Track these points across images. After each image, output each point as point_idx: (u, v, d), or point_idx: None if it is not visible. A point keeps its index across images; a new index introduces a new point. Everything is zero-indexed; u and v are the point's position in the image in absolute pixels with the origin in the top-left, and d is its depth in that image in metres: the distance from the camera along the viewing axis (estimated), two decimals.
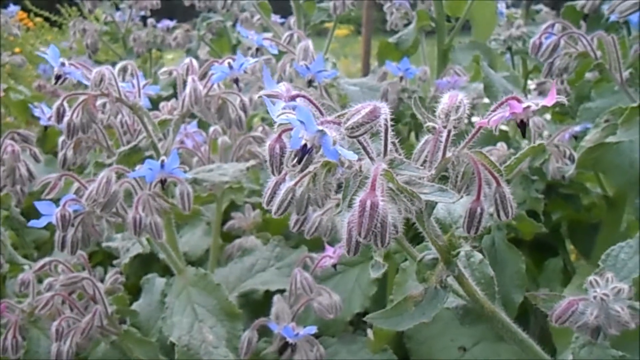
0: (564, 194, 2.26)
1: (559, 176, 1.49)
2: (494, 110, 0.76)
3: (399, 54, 2.27)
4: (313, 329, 1.29)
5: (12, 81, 3.17)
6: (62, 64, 1.14)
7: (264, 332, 1.44)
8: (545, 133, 1.74)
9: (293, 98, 0.72)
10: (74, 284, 1.28)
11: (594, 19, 1.88)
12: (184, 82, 1.27)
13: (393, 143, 0.77)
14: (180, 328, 1.30)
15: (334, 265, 1.35)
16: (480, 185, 0.77)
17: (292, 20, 2.32)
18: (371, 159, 0.72)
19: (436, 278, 0.92)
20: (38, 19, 4.67)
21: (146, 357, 1.40)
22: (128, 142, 1.36)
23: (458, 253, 0.89)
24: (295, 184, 0.73)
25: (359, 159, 0.71)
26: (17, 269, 1.57)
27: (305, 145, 0.64)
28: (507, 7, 2.77)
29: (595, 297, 0.87)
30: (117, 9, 2.97)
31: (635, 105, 1.26)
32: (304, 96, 0.73)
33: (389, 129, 0.73)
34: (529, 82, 2.45)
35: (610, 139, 1.32)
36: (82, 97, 1.17)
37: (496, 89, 2.03)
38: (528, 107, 0.72)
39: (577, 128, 1.54)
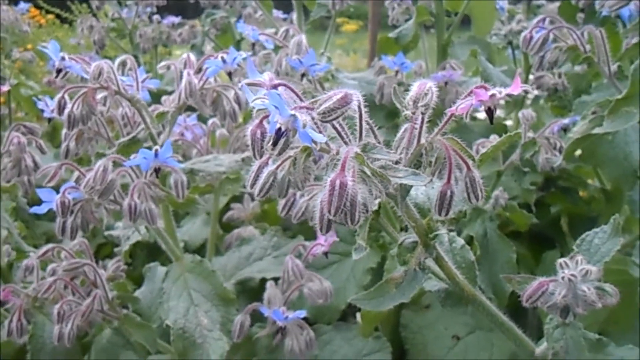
0: (563, 187, 2.29)
1: (548, 167, 1.52)
2: (463, 99, 0.80)
3: (399, 49, 2.30)
4: (302, 313, 1.33)
5: (23, 77, 3.23)
6: (63, 58, 1.19)
7: (260, 319, 1.48)
8: None
9: (275, 87, 0.76)
10: (75, 269, 1.33)
11: (589, 14, 1.91)
12: (181, 76, 1.31)
13: (372, 130, 0.81)
14: (176, 312, 1.34)
15: (326, 253, 1.39)
16: (451, 169, 0.80)
17: (294, 16, 2.35)
18: (345, 143, 0.76)
19: (415, 260, 0.96)
20: (50, 16, 4.73)
21: (145, 341, 1.45)
22: (128, 134, 1.40)
23: (435, 236, 0.93)
24: (277, 168, 0.77)
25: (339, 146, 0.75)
26: (23, 256, 1.62)
27: (279, 128, 0.69)
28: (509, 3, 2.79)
29: (563, 278, 0.91)
30: (124, 5, 3.01)
31: (620, 96, 1.29)
32: (285, 85, 0.77)
33: (364, 115, 0.77)
34: (531, 77, 2.47)
35: (597, 130, 1.34)
36: (82, 90, 1.22)
37: (494, 83, 2.06)
38: (493, 95, 0.76)
39: (566, 120, 1.57)
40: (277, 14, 2.56)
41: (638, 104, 1.27)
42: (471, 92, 0.78)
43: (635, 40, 1.47)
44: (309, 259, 1.43)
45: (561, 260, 0.94)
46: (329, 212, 0.68)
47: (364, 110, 0.77)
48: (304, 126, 0.67)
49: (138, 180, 1.20)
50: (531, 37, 1.50)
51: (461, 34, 2.48)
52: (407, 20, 2.43)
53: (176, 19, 2.97)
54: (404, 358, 1.73)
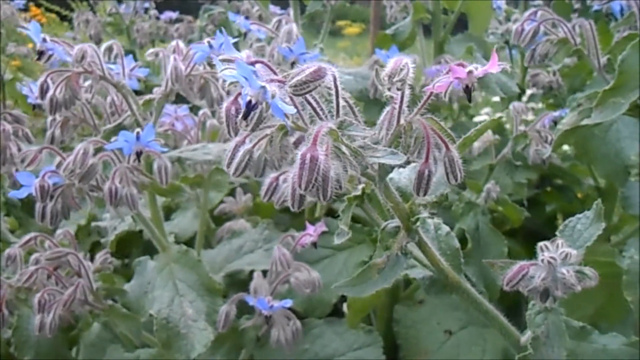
0: (558, 185, 2.28)
1: (539, 160, 1.50)
2: (441, 77, 0.78)
3: (396, 46, 2.29)
4: (288, 302, 1.31)
5: (21, 74, 3.22)
6: (44, 40, 1.18)
7: (249, 311, 1.46)
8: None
9: (252, 64, 0.75)
10: (58, 258, 1.31)
11: (582, 11, 1.90)
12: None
13: (350, 108, 0.80)
14: (160, 302, 1.33)
15: (314, 244, 1.37)
16: (429, 149, 0.79)
17: (291, 11, 2.35)
18: (321, 119, 0.74)
19: (397, 245, 0.95)
20: (51, 15, 4.73)
21: (130, 332, 1.43)
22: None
23: (417, 220, 0.92)
24: (253, 146, 0.75)
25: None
26: (8, 247, 1.60)
27: (250, 101, 0.67)
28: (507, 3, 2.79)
29: (543, 261, 0.89)
30: (122, 1, 3.01)
31: (608, 87, 1.28)
32: (262, 62, 0.75)
33: (340, 92, 0.75)
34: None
35: (586, 122, 1.33)
36: (65, 74, 1.21)
37: (489, 80, 2.06)
38: (470, 71, 0.74)
39: (556, 113, 1.56)
40: (275, 9, 2.55)
41: (626, 94, 1.26)
42: (450, 69, 0.77)
43: (625, 34, 1.46)
44: (297, 249, 1.41)
45: (541, 243, 0.93)
46: (300, 186, 0.67)
47: (340, 86, 0.75)
48: (273, 96, 0.65)
49: (120, 164, 1.19)
50: (522, 29, 1.50)
51: (459, 33, 2.47)
52: (405, 19, 2.43)
53: (173, 15, 2.97)
54: (397, 353, 1.72)
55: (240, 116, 0.69)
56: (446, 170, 0.80)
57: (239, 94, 0.72)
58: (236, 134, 0.75)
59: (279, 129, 0.75)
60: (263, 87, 0.66)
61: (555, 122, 1.55)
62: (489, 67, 0.74)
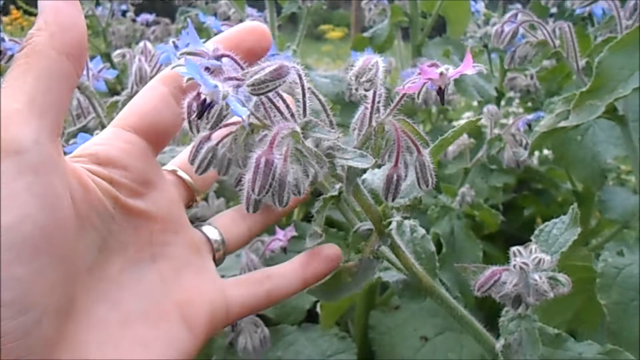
0: (536, 189, 2.28)
1: (514, 163, 1.49)
2: (413, 78, 0.76)
3: (374, 49, 2.28)
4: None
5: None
6: (2, 39, 1.15)
7: None
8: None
9: (219, 58, 0.71)
10: None
11: (559, 14, 1.90)
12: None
13: (324, 108, 0.77)
14: None
15: (284, 249, 1.35)
16: (399, 152, 0.76)
17: (267, 13, 2.32)
18: (285, 119, 0.71)
19: (369, 248, 0.92)
20: (31, 18, 4.69)
21: None
22: None
23: (390, 222, 0.89)
24: (217, 144, 0.72)
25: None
26: None
27: (204, 100, 0.64)
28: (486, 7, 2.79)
29: (515, 266, 0.87)
30: (98, 4, 2.97)
31: (585, 89, 1.26)
32: (229, 56, 0.72)
33: (306, 90, 0.72)
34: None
35: (563, 124, 1.32)
36: None
37: (466, 83, 2.05)
38: (442, 73, 0.72)
39: (530, 117, 1.55)
40: (252, 11, 2.53)
41: (602, 97, 1.25)
42: (420, 71, 0.74)
43: (605, 37, 1.45)
44: (267, 254, 1.39)
45: (514, 248, 0.90)
46: (253, 190, 0.64)
47: (307, 85, 0.72)
48: (224, 97, 0.62)
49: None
50: (502, 31, 1.49)
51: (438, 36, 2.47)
52: (383, 21, 2.42)
53: (150, 17, 2.93)
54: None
55: (194, 115, 0.66)
56: (417, 175, 0.77)
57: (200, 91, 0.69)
58: (198, 131, 0.72)
59: (242, 127, 0.72)
60: (216, 86, 0.63)
61: (529, 126, 1.54)
62: (463, 69, 0.71)
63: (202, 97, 0.64)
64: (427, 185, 0.79)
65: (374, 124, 0.79)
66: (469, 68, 0.74)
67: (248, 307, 0.80)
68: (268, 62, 0.68)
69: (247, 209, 0.69)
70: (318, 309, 1.51)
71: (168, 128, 0.75)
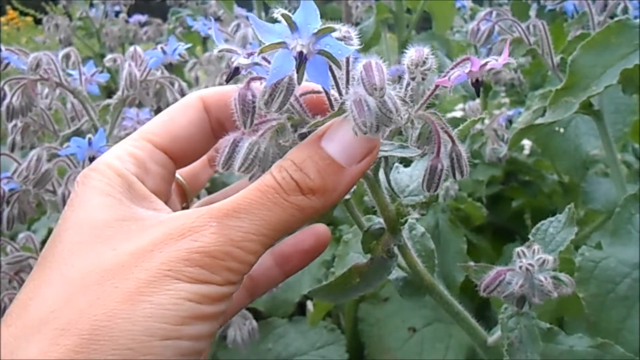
0: (523, 180, 2.31)
1: (495, 158, 1.53)
2: (452, 69, 0.73)
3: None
4: None
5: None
6: None
7: None
8: None
9: (249, 55, 0.68)
10: (18, 262, 1.32)
11: (539, 10, 1.93)
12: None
13: None
14: None
15: None
16: (439, 143, 0.74)
17: (255, 13, 2.36)
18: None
19: (382, 247, 0.89)
20: (27, 19, 4.71)
21: None
22: None
23: (406, 221, 0.87)
24: (260, 137, 0.68)
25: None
26: None
27: (301, 52, 0.62)
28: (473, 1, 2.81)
29: (521, 267, 0.90)
30: (92, 5, 3.01)
31: (559, 87, 1.30)
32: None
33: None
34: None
35: (540, 121, 1.36)
36: (22, 82, 1.22)
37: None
38: (485, 64, 0.71)
39: (511, 112, 1.59)
40: (241, 11, 2.56)
41: (576, 94, 1.29)
42: (463, 60, 0.72)
43: (578, 33, 1.49)
44: None
45: (518, 249, 0.93)
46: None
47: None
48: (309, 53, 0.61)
49: (74, 169, 1.20)
50: (478, 29, 1.52)
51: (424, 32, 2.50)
52: (370, 18, 2.45)
53: (142, 18, 2.96)
54: (363, 352, 1.73)
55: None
56: (453, 165, 0.75)
57: (251, 79, 0.68)
58: (251, 124, 0.68)
59: (289, 117, 0.70)
60: (315, 33, 0.61)
61: (510, 121, 1.58)
62: (502, 61, 0.72)
63: (299, 48, 0.62)
64: (462, 175, 0.76)
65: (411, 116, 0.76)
66: (505, 61, 0.73)
67: None
68: None
69: None
70: (308, 305, 1.55)
71: (197, 154, 0.77)
